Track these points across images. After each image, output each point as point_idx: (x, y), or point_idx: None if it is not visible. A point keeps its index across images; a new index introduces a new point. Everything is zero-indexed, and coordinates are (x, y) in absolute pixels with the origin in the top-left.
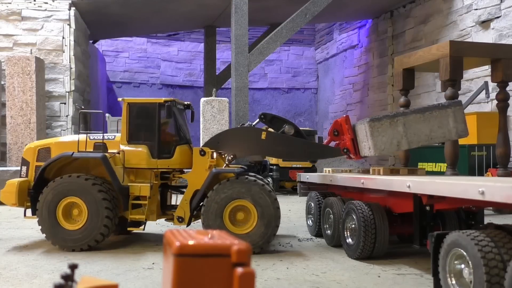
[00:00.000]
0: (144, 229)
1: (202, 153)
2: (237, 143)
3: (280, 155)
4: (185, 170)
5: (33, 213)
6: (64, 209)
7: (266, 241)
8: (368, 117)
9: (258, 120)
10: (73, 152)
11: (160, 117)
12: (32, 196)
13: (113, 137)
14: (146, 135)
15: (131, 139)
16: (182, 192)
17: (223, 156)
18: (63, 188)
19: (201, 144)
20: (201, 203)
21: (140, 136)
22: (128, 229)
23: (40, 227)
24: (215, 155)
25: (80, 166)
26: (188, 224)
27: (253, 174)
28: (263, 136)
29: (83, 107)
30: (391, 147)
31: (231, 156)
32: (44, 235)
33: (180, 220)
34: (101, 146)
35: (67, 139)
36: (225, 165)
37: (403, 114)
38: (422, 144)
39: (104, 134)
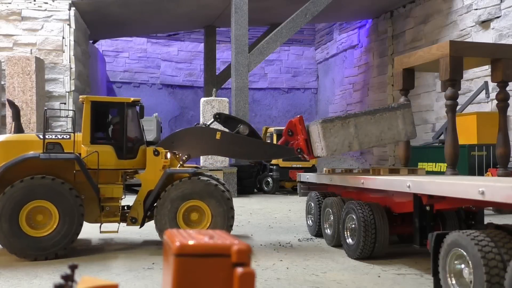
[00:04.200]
0: (117, 231)
1: (156, 153)
2: (191, 143)
3: (235, 155)
4: (140, 170)
5: None
6: (28, 214)
7: None
8: (321, 118)
9: (212, 120)
10: (40, 153)
11: (127, 117)
12: None
13: (68, 136)
14: (112, 135)
15: (95, 139)
16: (136, 192)
17: (177, 156)
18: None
19: None
20: (155, 203)
21: (104, 136)
22: (101, 232)
23: None
24: (169, 155)
25: (31, 168)
26: (142, 225)
27: (208, 174)
28: (218, 136)
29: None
30: (342, 147)
31: (185, 156)
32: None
33: (134, 221)
34: (55, 146)
35: (14, 138)
36: (179, 165)
37: (355, 116)
38: (373, 145)
39: (58, 133)
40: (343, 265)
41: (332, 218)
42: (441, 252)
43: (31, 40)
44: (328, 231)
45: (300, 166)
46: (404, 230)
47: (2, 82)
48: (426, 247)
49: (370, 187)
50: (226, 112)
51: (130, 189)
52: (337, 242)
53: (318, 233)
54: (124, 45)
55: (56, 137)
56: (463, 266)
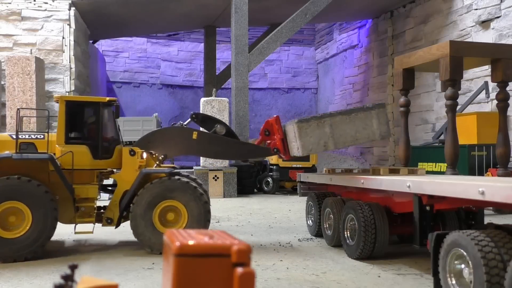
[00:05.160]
0: (92, 232)
1: (132, 153)
2: (168, 143)
3: (211, 154)
4: (116, 170)
5: None
6: (1, 215)
7: None
8: (297, 118)
9: (189, 119)
10: (12, 154)
11: (103, 117)
12: None
13: (42, 136)
14: (87, 135)
15: (69, 139)
16: (111, 192)
17: (154, 156)
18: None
19: None
20: (131, 204)
21: (79, 136)
22: (76, 232)
23: None
24: (145, 155)
25: (5, 168)
26: (117, 226)
27: (185, 174)
28: (194, 136)
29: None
30: (318, 147)
31: (162, 156)
32: None
33: (109, 221)
34: (28, 146)
35: None
36: (155, 165)
37: (330, 116)
38: (348, 145)
39: (32, 133)
40: (343, 265)
41: (332, 218)
42: (441, 252)
43: (31, 40)
44: (328, 231)
45: (300, 166)
46: (404, 230)
47: (2, 82)
48: (426, 247)
49: (370, 187)
50: (226, 112)
51: (106, 189)
52: (337, 242)
53: (318, 233)
54: (124, 45)
55: (30, 137)
56: (463, 266)
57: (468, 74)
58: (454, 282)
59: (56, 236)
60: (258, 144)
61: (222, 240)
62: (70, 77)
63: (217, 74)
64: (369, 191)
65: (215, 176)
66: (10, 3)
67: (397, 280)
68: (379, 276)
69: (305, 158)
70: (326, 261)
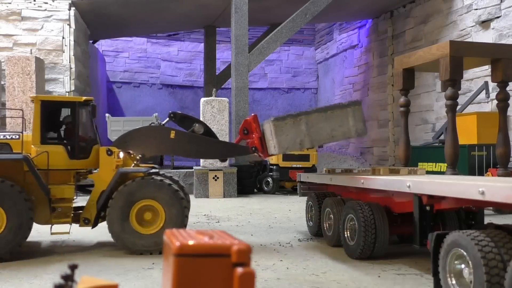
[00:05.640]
0: (69, 232)
1: (109, 152)
2: (145, 142)
3: (189, 154)
4: (94, 170)
5: None
6: None
7: None
8: (273, 116)
9: (167, 119)
10: None
11: (79, 117)
12: None
13: (17, 136)
14: (63, 135)
15: (45, 139)
16: (89, 192)
17: (132, 155)
18: None
19: None
20: (108, 203)
21: (55, 136)
22: (52, 233)
23: None
24: (121, 154)
25: None
26: (94, 226)
27: (162, 173)
28: (172, 135)
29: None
30: (294, 145)
31: (139, 156)
32: None
33: (86, 221)
34: (3, 146)
35: None
36: (133, 164)
37: (306, 114)
38: (324, 143)
39: (7, 133)
40: (343, 265)
41: (332, 218)
42: (441, 252)
43: (31, 40)
44: (328, 231)
45: (300, 166)
46: (404, 230)
47: (2, 82)
48: (426, 247)
49: (370, 187)
50: (226, 112)
51: (84, 189)
52: (337, 242)
53: (318, 233)
54: (124, 45)
55: (5, 137)
56: (463, 266)
57: (468, 74)
58: (454, 282)
59: (53, 238)
60: (237, 143)
61: (222, 240)
62: (70, 77)
63: (217, 74)
64: (369, 191)
65: (215, 176)
66: (10, 3)
67: (397, 280)
68: (379, 276)
69: (305, 158)
70: (326, 261)
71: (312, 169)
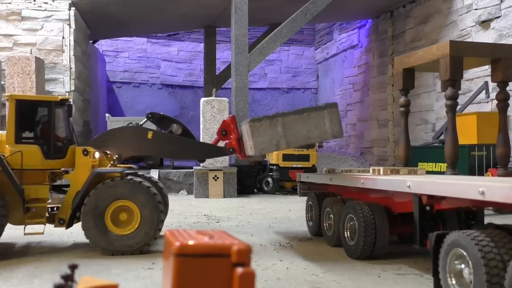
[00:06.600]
0: (43, 233)
1: (85, 152)
2: (122, 143)
3: (167, 154)
4: (70, 170)
5: None
6: None
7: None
8: (250, 117)
9: (145, 119)
10: None
11: (55, 116)
12: None
13: None
14: (38, 135)
15: (20, 138)
16: (65, 192)
17: (109, 156)
18: None
19: None
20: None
21: (30, 136)
22: (25, 234)
23: None
24: (97, 154)
25: None
26: (69, 226)
27: (140, 174)
28: (149, 135)
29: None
30: (270, 146)
31: (116, 156)
32: None
33: (62, 222)
34: None
35: None
36: (110, 165)
37: (282, 115)
38: (300, 144)
39: None
40: (343, 265)
41: (332, 218)
42: (441, 252)
43: (31, 40)
44: (328, 231)
45: (300, 166)
46: (404, 230)
47: (2, 82)
48: (426, 247)
49: (370, 187)
50: (226, 112)
51: (60, 189)
52: (337, 242)
53: (318, 233)
54: (124, 45)
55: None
56: (463, 266)
57: (468, 74)
58: (454, 282)
59: (47, 238)
60: (215, 144)
61: (222, 240)
62: (70, 77)
63: (217, 74)
64: (369, 191)
65: (215, 176)
66: (10, 3)
67: (397, 280)
68: (379, 276)
69: (305, 158)
70: (326, 261)
71: (312, 169)
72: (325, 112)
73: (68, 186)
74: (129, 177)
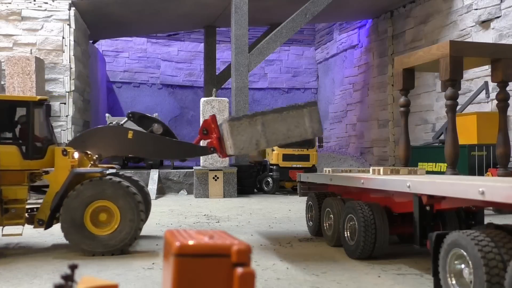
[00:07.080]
0: (22, 234)
1: (65, 153)
2: (102, 142)
3: (148, 154)
4: (50, 170)
5: None
6: None
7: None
8: (230, 116)
9: (126, 119)
10: None
11: (34, 116)
12: None
13: None
14: (17, 135)
15: None
16: (44, 193)
17: (89, 156)
18: None
19: None
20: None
21: (9, 136)
22: (3, 235)
23: None
24: (76, 154)
25: None
26: (48, 227)
27: (120, 174)
28: (130, 135)
29: None
30: (250, 146)
31: (96, 156)
32: None
33: (41, 223)
34: None
35: None
36: (90, 165)
37: (262, 114)
38: (280, 143)
39: None
40: (343, 265)
41: (332, 218)
42: (441, 252)
43: (31, 40)
44: (328, 231)
45: (300, 166)
46: (404, 230)
47: (2, 82)
48: (426, 247)
49: (370, 187)
50: (226, 112)
51: (40, 190)
52: (337, 242)
53: (318, 233)
54: (124, 45)
55: None
56: (463, 266)
57: (468, 74)
58: (454, 282)
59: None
60: (196, 143)
61: (222, 240)
62: (70, 77)
63: (217, 74)
64: (369, 191)
65: (215, 176)
66: (10, 3)
67: (397, 280)
68: (379, 276)
69: (305, 158)
70: (326, 261)
71: (312, 169)
72: (305, 111)
73: (47, 186)
74: (108, 177)
